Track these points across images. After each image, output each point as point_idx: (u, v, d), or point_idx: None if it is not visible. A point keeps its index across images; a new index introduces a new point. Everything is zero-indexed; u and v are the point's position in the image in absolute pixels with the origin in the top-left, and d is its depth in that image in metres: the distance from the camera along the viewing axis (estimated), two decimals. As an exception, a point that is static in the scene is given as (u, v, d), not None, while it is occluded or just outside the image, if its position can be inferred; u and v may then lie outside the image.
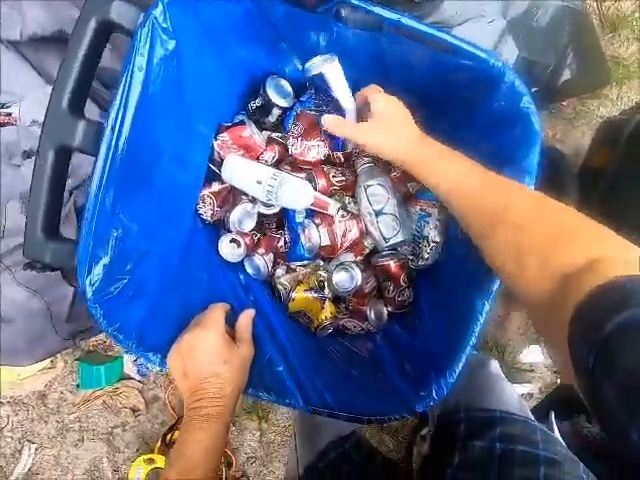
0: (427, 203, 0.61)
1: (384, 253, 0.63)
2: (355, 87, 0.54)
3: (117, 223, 0.42)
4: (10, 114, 0.82)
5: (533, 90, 0.76)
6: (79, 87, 0.40)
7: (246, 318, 0.51)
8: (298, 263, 0.65)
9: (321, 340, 0.62)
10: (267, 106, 0.61)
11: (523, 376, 1.05)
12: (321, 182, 0.61)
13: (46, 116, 0.41)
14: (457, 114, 0.51)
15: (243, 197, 0.65)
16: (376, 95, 0.49)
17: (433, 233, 0.60)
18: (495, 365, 0.67)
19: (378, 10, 0.42)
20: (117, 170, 0.40)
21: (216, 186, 0.62)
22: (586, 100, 0.96)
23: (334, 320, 0.63)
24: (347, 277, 0.62)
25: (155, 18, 0.39)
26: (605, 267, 0.27)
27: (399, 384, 0.49)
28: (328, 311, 0.63)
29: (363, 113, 0.52)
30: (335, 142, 0.62)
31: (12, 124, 0.82)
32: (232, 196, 0.65)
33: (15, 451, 1.07)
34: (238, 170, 0.59)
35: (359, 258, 0.65)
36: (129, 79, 0.39)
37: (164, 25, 0.40)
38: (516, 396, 0.61)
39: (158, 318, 0.47)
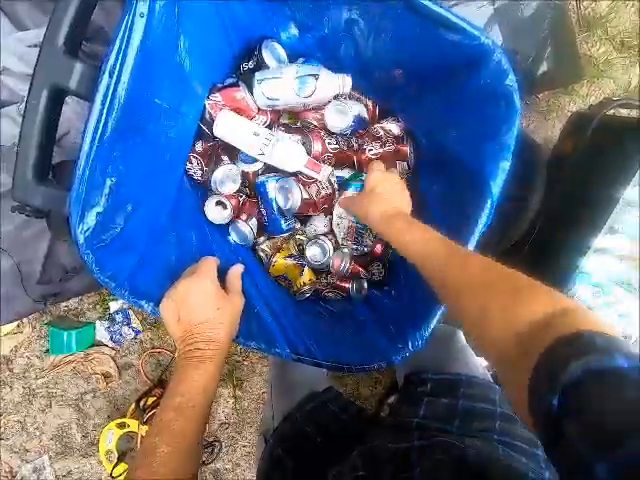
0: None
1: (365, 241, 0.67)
2: (353, 61, 0.57)
3: (112, 171, 0.41)
4: (-24, 61, 0.76)
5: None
6: (76, 25, 0.39)
7: (236, 271, 0.53)
8: (277, 235, 0.67)
9: (304, 301, 0.65)
10: (258, 69, 0.61)
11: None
12: (316, 146, 0.62)
13: (39, 55, 0.39)
14: (446, 88, 0.53)
15: (224, 158, 0.64)
16: (371, 173, 0.58)
17: None
18: (461, 336, 0.72)
19: None
20: (114, 117, 0.39)
21: (200, 146, 0.62)
22: (559, 95, 1.02)
23: (312, 285, 0.66)
24: (320, 251, 0.66)
25: None
26: (570, 319, 0.29)
27: (378, 338, 0.53)
28: (307, 277, 0.66)
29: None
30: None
31: (-21, 71, 0.77)
32: (215, 157, 0.65)
33: (-23, 416, 1.04)
34: (233, 124, 0.59)
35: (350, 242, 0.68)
36: (129, 23, 0.38)
37: None
38: (479, 364, 0.66)
39: (148, 269, 0.47)
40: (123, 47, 0.38)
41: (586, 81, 1.03)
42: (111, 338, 1.04)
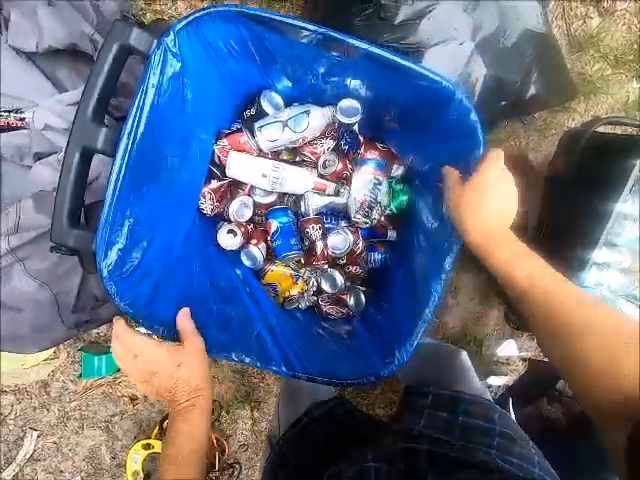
0: (378, 172, 0.71)
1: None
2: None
3: (130, 213, 0.49)
4: (23, 119, 0.89)
5: (502, 103, 0.84)
6: (101, 99, 0.48)
7: (182, 314, 0.54)
8: (284, 255, 0.72)
9: (305, 321, 0.69)
10: (259, 115, 0.69)
11: (500, 369, 1.12)
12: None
13: (74, 123, 0.48)
14: (421, 123, 0.59)
15: (240, 190, 0.73)
16: (490, 163, 0.47)
17: (385, 199, 0.72)
18: (464, 356, 0.74)
19: (352, 41, 0.50)
20: (131, 169, 0.47)
21: (215, 183, 0.70)
22: (556, 113, 1.04)
23: (301, 295, 0.72)
24: (341, 239, 0.71)
25: (167, 44, 0.47)
26: None
27: (370, 354, 0.57)
28: (299, 287, 0.73)
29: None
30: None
31: (25, 128, 0.89)
32: (230, 191, 0.74)
33: (18, 438, 1.12)
34: (242, 165, 0.68)
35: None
36: (144, 94, 0.46)
37: (173, 49, 0.47)
38: (480, 384, 0.68)
39: (162, 297, 0.54)
40: (139, 113, 0.46)
41: (583, 98, 1.05)
42: (137, 362, 1.11)
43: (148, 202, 0.52)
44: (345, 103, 0.65)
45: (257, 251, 0.73)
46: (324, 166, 0.72)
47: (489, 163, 0.47)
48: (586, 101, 1.06)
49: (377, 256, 0.76)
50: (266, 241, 0.74)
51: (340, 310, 0.72)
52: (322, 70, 0.58)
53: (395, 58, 0.50)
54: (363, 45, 0.50)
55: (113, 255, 0.48)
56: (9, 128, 0.88)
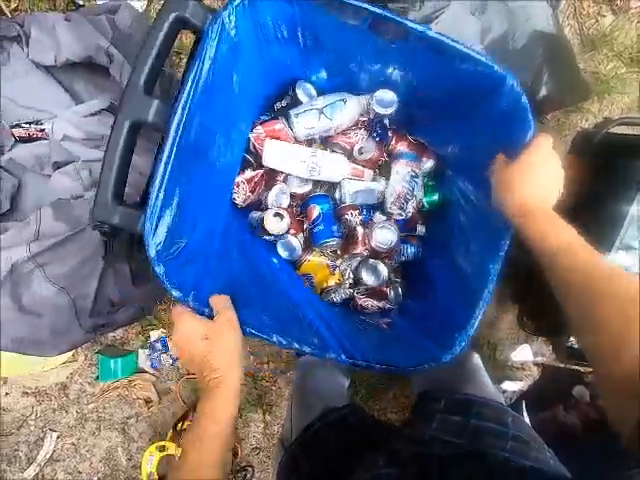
0: (414, 164, 0.71)
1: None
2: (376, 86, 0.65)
3: (178, 192, 0.47)
4: (43, 129, 0.92)
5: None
6: (153, 71, 0.47)
7: (214, 297, 0.52)
8: (324, 241, 0.71)
9: (347, 313, 0.70)
10: (293, 105, 0.69)
11: (514, 374, 1.10)
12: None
13: (124, 95, 0.46)
14: (463, 111, 0.59)
15: (275, 180, 0.72)
16: (538, 143, 0.49)
17: (420, 193, 0.72)
18: (476, 358, 0.73)
19: (408, 23, 0.50)
20: (182, 146, 0.46)
21: (248, 173, 0.69)
22: (569, 113, 1.03)
23: (338, 286, 0.71)
24: (388, 234, 0.69)
25: (224, 18, 0.46)
26: None
27: (421, 342, 0.57)
28: (337, 277, 0.72)
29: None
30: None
31: (44, 139, 0.93)
32: (264, 181, 0.72)
33: (38, 439, 1.15)
34: (279, 154, 0.67)
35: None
36: (201, 67, 0.45)
37: (230, 25, 0.47)
38: (492, 387, 0.67)
39: (207, 281, 0.52)
40: (194, 86, 0.45)
41: (597, 98, 1.03)
42: (152, 365, 1.13)
43: (195, 182, 0.51)
44: (381, 94, 0.65)
45: (295, 241, 0.71)
46: (360, 152, 0.71)
47: (539, 144, 0.49)
48: (600, 101, 1.04)
49: (410, 249, 0.75)
50: (303, 231, 0.73)
51: (376, 304, 0.70)
52: (366, 57, 0.59)
53: (452, 42, 0.50)
54: (419, 27, 0.50)
55: (161, 234, 0.46)
56: (30, 139, 0.91)
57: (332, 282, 0.71)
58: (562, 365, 0.94)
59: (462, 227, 0.65)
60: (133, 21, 0.95)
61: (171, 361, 1.12)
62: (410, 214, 0.73)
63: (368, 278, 0.70)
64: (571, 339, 0.74)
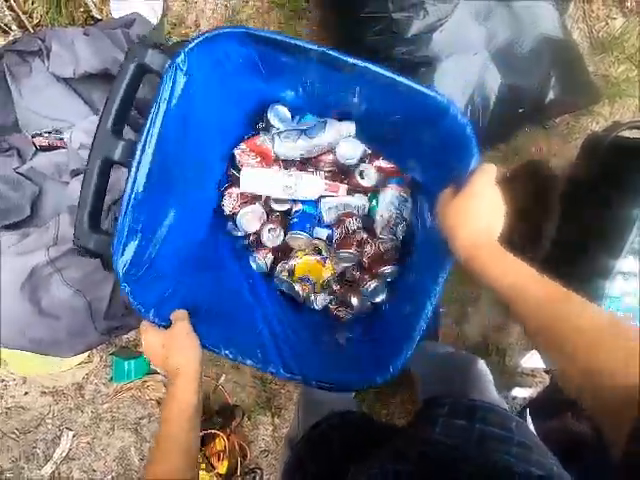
0: (402, 188, 0.73)
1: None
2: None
3: (144, 219, 0.53)
4: (62, 139, 0.96)
5: (520, 110, 0.83)
6: (120, 114, 0.53)
7: (175, 311, 0.59)
8: (295, 232, 0.75)
9: (306, 327, 0.72)
10: (268, 128, 0.74)
11: (524, 380, 1.09)
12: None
13: (95, 136, 0.53)
14: (417, 136, 0.61)
15: (258, 200, 0.76)
16: (480, 175, 0.50)
17: (410, 215, 0.73)
18: (482, 364, 0.73)
19: (350, 60, 0.53)
20: (146, 177, 0.51)
21: (234, 189, 0.74)
22: (579, 117, 1.02)
23: (333, 275, 0.75)
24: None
25: (178, 63, 0.51)
26: None
27: (366, 363, 0.59)
28: (329, 268, 0.75)
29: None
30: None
31: (63, 147, 0.97)
32: (251, 198, 0.76)
33: (55, 437, 1.19)
34: (255, 178, 0.72)
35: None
36: (157, 110, 0.51)
37: (183, 68, 0.51)
38: (496, 393, 0.67)
39: (173, 296, 0.59)
40: (152, 125, 0.50)
41: (608, 101, 1.02)
42: (164, 367, 1.16)
43: (161, 206, 0.56)
44: (342, 149, 0.71)
45: (262, 261, 0.76)
46: (361, 176, 0.74)
47: (480, 175, 0.50)
48: (611, 104, 1.03)
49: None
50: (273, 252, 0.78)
51: (347, 312, 0.74)
52: (326, 85, 0.61)
53: (392, 75, 0.53)
54: (361, 63, 0.53)
55: (128, 256, 0.52)
56: (50, 148, 0.95)
57: (327, 274, 0.74)
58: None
59: (419, 252, 0.68)
60: (147, 34, 0.99)
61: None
62: (401, 237, 0.75)
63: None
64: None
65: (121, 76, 0.52)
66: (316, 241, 0.76)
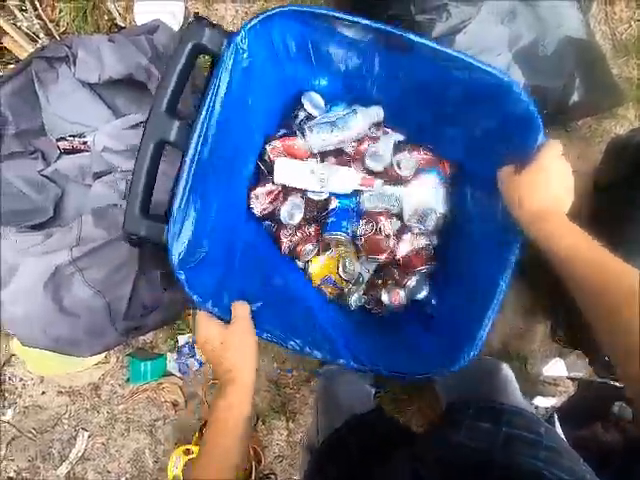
0: (435, 178, 0.72)
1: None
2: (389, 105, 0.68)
3: (197, 206, 0.51)
4: (85, 142, 0.98)
5: (544, 112, 0.82)
6: (175, 94, 0.51)
7: (237, 302, 0.55)
8: (333, 233, 0.73)
9: (360, 319, 0.71)
10: (304, 116, 0.73)
11: (547, 389, 1.06)
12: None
13: (149, 116, 0.51)
14: (471, 120, 0.61)
15: (293, 192, 0.74)
16: (548, 150, 0.50)
17: (441, 206, 0.72)
18: (507, 369, 0.71)
19: (413, 37, 0.53)
20: (200, 163, 0.49)
21: (269, 187, 0.73)
22: (602, 120, 1.00)
23: (354, 263, 0.73)
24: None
25: (237, 43, 0.50)
26: None
27: (431, 351, 0.58)
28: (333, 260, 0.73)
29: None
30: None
31: (87, 151, 0.99)
32: (283, 193, 0.75)
33: (71, 437, 1.20)
34: (289, 170, 0.71)
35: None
36: (216, 90, 0.49)
37: (243, 47, 0.51)
38: (522, 398, 0.65)
39: (226, 288, 0.56)
40: (211, 105, 0.49)
41: (632, 103, 1.00)
42: (179, 369, 1.16)
43: (213, 195, 0.54)
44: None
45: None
46: (373, 159, 0.73)
47: (549, 150, 0.50)
48: (636, 107, 1.01)
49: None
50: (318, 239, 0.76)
51: (385, 310, 0.73)
52: (374, 68, 0.61)
53: (452, 52, 0.53)
54: (424, 41, 0.52)
55: (182, 244, 0.50)
56: (74, 151, 0.97)
57: (340, 269, 0.72)
58: (600, 380, 0.89)
59: (474, 240, 0.66)
60: (170, 40, 1.01)
61: (197, 366, 1.15)
62: (430, 228, 0.73)
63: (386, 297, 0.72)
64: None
65: (177, 56, 0.50)
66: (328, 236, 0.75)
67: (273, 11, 0.51)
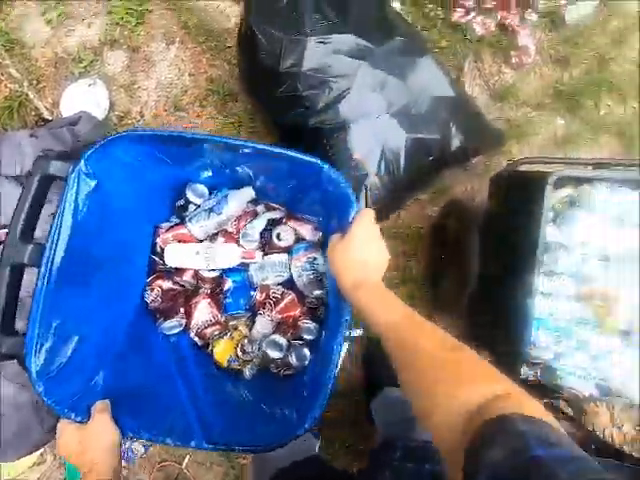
0: (308, 252, 0.78)
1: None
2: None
3: (57, 315, 0.55)
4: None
5: (430, 158, 0.93)
6: (28, 220, 0.57)
7: (98, 402, 0.59)
8: (233, 313, 0.80)
9: (232, 389, 0.73)
10: (188, 205, 0.82)
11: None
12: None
13: (4, 245, 0.56)
14: (301, 196, 0.70)
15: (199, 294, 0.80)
16: (360, 220, 0.55)
17: (324, 266, 0.76)
18: None
19: (239, 143, 0.61)
20: (55, 277, 0.54)
21: (166, 284, 0.79)
22: (492, 157, 1.13)
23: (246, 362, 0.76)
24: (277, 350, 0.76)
25: (79, 169, 0.56)
26: (497, 404, 0.32)
27: (289, 417, 0.59)
28: (234, 340, 0.77)
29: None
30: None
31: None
32: (184, 297, 0.81)
33: None
34: (178, 253, 0.77)
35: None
36: (62, 213, 0.55)
37: (86, 172, 0.57)
38: None
39: (95, 388, 0.59)
40: (58, 228, 0.55)
41: (515, 141, 1.15)
42: (124, 456, 1.08)
43: (77, 302, 0.58)
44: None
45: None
46: (244, 239, 0.80)
47: (359, 218, 0.56)
48: (519, 143, 1.15)
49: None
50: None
51: (289, 371, 0.76)
52: (227, 164, 0.70)
53: (276, 150, 0.61)
54: (250, 144, 0.60)
55: (42, 355, 0.53)
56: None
57: (239, 352, 0.77)
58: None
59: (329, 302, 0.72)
60: (93, 128, 1.08)
61: (143, 450, 1.08)
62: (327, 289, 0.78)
63: (273, 353, 0.76)
64: (523, 370, 0.74)
65: (27, 187, 0.57)
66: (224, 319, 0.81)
67: (104, 142, 0.57)
